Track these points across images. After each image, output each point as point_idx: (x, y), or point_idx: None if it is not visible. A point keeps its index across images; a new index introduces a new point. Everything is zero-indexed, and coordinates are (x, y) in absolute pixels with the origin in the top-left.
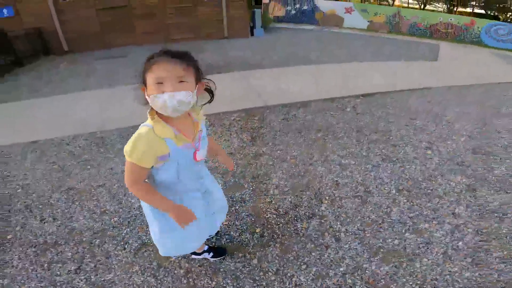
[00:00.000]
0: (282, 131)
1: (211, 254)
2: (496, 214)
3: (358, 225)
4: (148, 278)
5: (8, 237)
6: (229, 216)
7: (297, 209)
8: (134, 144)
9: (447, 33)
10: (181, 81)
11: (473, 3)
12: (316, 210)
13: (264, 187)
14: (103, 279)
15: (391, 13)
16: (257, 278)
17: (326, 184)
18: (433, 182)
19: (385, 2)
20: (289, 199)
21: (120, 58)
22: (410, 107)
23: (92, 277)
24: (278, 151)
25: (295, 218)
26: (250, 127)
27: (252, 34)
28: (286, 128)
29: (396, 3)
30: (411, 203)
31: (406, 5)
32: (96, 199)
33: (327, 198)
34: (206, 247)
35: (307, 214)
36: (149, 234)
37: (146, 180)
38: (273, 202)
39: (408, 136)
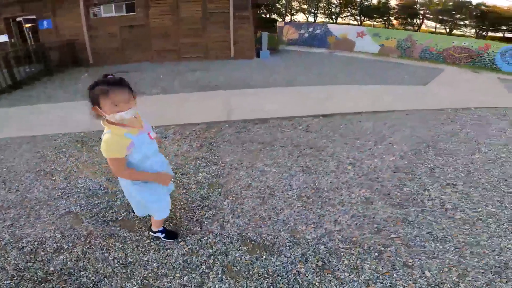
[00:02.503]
0: (229, 142)
1: (164, 234)
2: (375, 225)
3: (246, 219)
4: (56, 233)
5: None
6: None
7: (203, 201)
8: (107, 145)
9: (460, 58)
10: (127, 102)
11: (504, 27)
12: (219, 204)
13: (187, 182)
14: (23, 232)
15: (403, 37)
16: (140, 245)
17: (240, 185)
18: (336, 192)
19: (410, 27)
20: (201, 193)
21: (134, 73)
22: (362, 128)
23: (17, 230)
24: (215, 157)
25: (197, 207)
26: (205, 137)
27: (258, 56)
28: (234, 140)
29: (423, 28)
30: (303, 208)
31: (433, 29)
32: (54, 179)
33: (233, 195)
34: (161, 228)
35: (209, 205)
36: (78, 203)
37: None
38: (187, 193)
39: (339, 153)
